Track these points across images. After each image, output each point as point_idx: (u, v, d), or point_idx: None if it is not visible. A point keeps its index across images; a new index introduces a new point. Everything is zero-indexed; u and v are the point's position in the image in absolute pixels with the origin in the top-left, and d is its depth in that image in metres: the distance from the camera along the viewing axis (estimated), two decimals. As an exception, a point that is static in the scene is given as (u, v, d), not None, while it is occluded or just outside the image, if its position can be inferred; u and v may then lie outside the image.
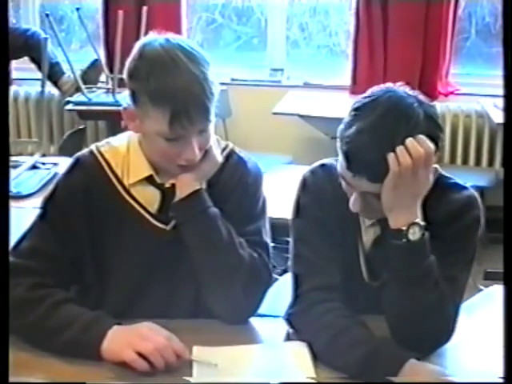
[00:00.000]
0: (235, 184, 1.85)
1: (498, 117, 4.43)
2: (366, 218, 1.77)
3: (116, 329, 1.66)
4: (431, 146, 1.59)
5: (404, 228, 1.62)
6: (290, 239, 1.88)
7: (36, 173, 3.11)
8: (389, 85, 1.67)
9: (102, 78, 5.05)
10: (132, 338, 1.63)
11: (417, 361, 1.56)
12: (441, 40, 4.89)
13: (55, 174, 3.07)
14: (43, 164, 3.22)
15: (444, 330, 1.70)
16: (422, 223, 1.63)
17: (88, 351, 1.64)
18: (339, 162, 1.68)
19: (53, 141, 5.35)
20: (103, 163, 1.85)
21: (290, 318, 1.78)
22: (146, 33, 5.15)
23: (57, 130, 5.39)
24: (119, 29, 4.54)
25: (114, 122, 4.93)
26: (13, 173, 3.04)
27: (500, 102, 4.58)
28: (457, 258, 1.72)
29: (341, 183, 1.71)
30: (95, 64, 5.01)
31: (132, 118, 1.79)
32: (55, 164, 3.21)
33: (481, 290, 2.03)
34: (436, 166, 1.74)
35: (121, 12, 4.59)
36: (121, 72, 4.60)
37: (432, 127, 1.63)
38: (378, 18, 4.92)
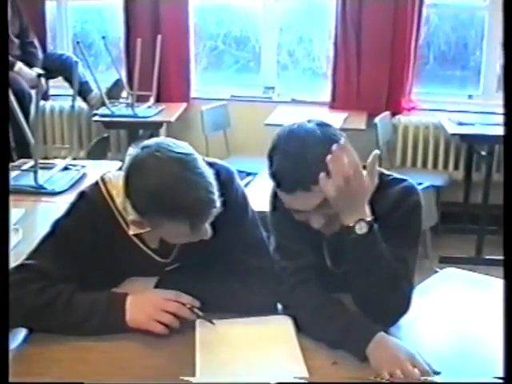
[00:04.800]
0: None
1: (452, 128, 4.42)
2: (327, 232, 1.72)
3: (132, 300, 1.61)
4: (356, 158, 1.55)
5: (351, 225, 1.59)
6: (270, 231, 1.82)
7: (68, 173, 3.09)
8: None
9: (124, 94, 5.03)
10: (151, 310, 1.59)
11: (385, 334, 1.55)
12: (405, 64, 4.88)
13: (83, 175, 3.06)
14: (74, 166, 3.20)
15: (401, 303, 1.66)
16: (369, 218, 1.59)
17: (116, 329, 1.59)
18: (284, 201, 1.65)
19: (82, 146, 5.32)
20: (107, 196, 1.67)
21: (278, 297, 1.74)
22: (161, 57, 5.14)
23: (85, 138, 5.36)
24: (138, 54, 4.53)
25: (132, 131, 4.93)
26: (48, 173, 3.02)
27: (453, 116, 4.59)
28: (402, 240, 1.67)
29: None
30: (118, 83, 4.99)
31: (140, 225, 1.62)
32: (83, 166, 3.19)
33: (436, 271, 2.02)
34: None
35: (139, 40, 4.57)
36: (139, 90, 4.63)
37: (329, 137, 1.58)
38: (352, 45, 4.90)
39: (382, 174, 1.74)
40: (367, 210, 1.61)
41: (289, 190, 1.59)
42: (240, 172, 2.09)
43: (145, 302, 1.62)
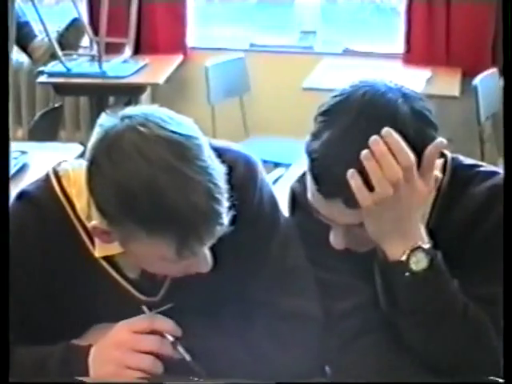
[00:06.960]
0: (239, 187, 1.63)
1: None
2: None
3: (96, 351, 1.63)
4: (410, 156, 1.52)
5: (404, 258, 1.58)
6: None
7: (-1, 163, 3.12)
8: (365, 79, 1.61)
9: (85, 41, 5.07)
10: (119, 355, 1.61)
11: None
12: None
13: (24, 165, 3.08)
14: (8, 152, 3.23)
15: (491, 363, 1.63)
16: (427, 245, 1.59)
17: None
18: (308, 187, 1.63)
19: (21, 122, 5.40)
20: (62, 198, 1.67)
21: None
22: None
23: (26, 109, 5.45)
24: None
25: (99, 99, 4.95)
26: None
27: None
28: (490, 270, 1.65)
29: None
30: (75, 24, 5.00)
31: (106, 236, 1.58)
32: (24, 152, 3.21)
33: None
34: (450, 154, 1.70)
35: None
36: (109, 35, 4.65)
37: (423, 127, 1.55)
38: (438, -35, 4.92)
39: (457, 166, 1.72)
40: (423, 231, 1.60)
41: (326, 193, 1.57)
42: (264, 162, 2.06)
43: (108, 346, 1.63)
